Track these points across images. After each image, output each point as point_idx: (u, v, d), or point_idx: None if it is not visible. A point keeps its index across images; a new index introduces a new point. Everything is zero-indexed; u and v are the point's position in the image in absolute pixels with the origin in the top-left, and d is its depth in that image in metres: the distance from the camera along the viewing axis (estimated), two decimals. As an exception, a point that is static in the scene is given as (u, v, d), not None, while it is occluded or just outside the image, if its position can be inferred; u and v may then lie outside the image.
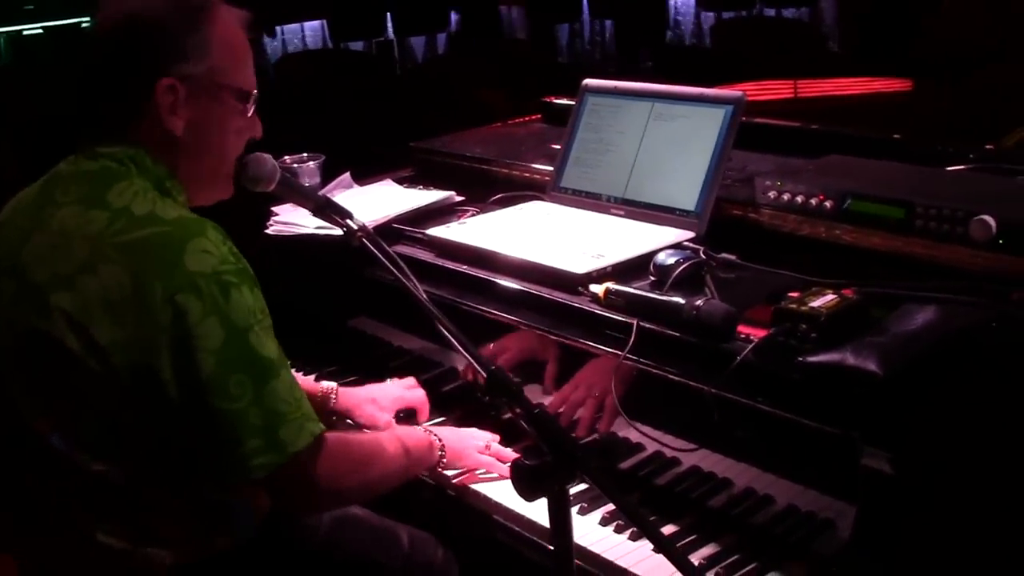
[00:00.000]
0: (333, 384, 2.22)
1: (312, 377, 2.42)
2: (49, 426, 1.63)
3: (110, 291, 1.56)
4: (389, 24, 9.15)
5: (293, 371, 1.69)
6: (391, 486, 1.87)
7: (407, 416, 2.22)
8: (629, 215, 2.24)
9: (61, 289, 1.59)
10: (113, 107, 1.71)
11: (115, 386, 1.56)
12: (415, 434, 1.97)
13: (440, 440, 1.98)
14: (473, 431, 2.10)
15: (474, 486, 1.99)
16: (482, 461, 2.01)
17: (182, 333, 1.54)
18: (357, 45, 9.14)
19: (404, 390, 2.23)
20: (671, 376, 1.75)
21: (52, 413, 1.64)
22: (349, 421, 2.20)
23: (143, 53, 1.68)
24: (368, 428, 2.16)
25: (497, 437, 2.08)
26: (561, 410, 2.07)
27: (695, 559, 1.71)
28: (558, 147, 2.45)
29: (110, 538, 1.65)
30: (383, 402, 2.19)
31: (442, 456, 1.97)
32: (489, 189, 2.56)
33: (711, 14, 9.19)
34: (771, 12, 8.82)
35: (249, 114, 1.80)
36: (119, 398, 1.57)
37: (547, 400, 2.11)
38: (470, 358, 1.61)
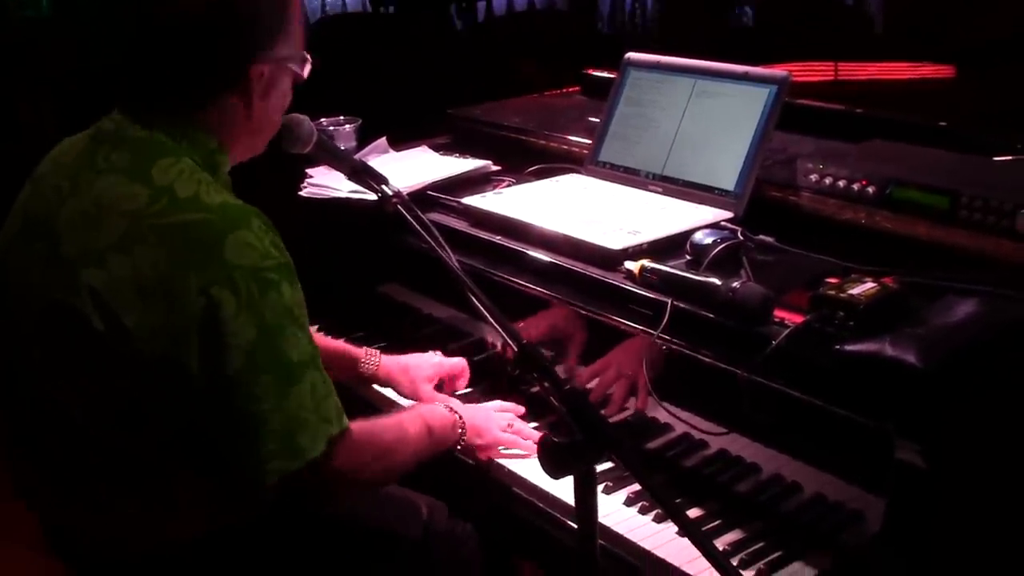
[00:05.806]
0: (376, 350, 2.19)
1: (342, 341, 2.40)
2: (68, 397, 1.59)
3: (143, 274, 1.49)
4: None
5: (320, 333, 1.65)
6: (412, 468, 1.84)
7: (439, 386, 2.19)
8: (667, 192, 2.21)
9: (92, 265, 1.52)
10: (189, 89, 1.61)
11: (138, 370, 1.51)
12: (438, 413, 1.93)
13: (461, 417, 1.95)
14: (495, 404, 2.08)
15: (497, 460, 1.98)
16: (502, 439, 1.98)
17: (213, 326, 1.48)
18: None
19: (443, 357, 2.20)
20: (703, 358, 1.73)
21: (72, 386, 1.59)
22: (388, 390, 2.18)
23: (238, 41, 1.59)
24: (409, 398, 2.15)
25: (521, 409, 2.08)
26: (591, 386, 2.04)
27: (720, 544, 1.70)
28: (597, 120, 2.42)
29: (129, 508, 1.63)
30: (425, 371, 2.16)
31: (462, 433, 1.95)
32: (526, 160, 2.53)
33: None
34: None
35: (304, 76, 1.72)
36: (141, 382, 1.52)
37: (575, 376, 2.08)
38: (501, 330, 1.59)
